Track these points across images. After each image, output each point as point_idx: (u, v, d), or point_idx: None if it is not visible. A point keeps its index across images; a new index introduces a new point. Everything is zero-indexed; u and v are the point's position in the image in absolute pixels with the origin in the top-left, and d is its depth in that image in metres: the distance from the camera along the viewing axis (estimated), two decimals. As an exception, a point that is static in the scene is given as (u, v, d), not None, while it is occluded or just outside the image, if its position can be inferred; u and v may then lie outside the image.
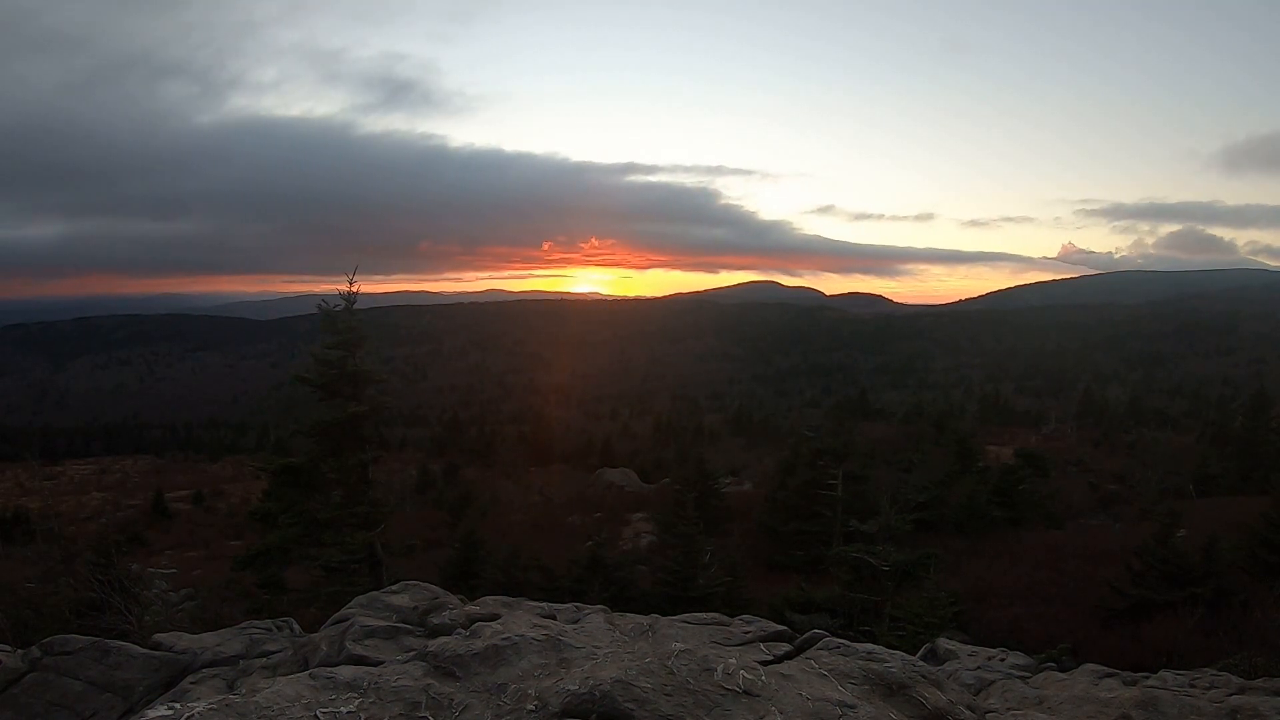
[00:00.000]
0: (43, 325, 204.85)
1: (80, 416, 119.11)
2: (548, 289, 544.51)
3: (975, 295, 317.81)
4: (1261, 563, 13.30)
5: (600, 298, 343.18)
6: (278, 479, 12.15)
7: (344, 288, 11.55)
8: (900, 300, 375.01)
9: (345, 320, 11.65)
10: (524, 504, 33.32)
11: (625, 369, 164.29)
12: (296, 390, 12.73)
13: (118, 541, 12.11)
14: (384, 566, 11.67)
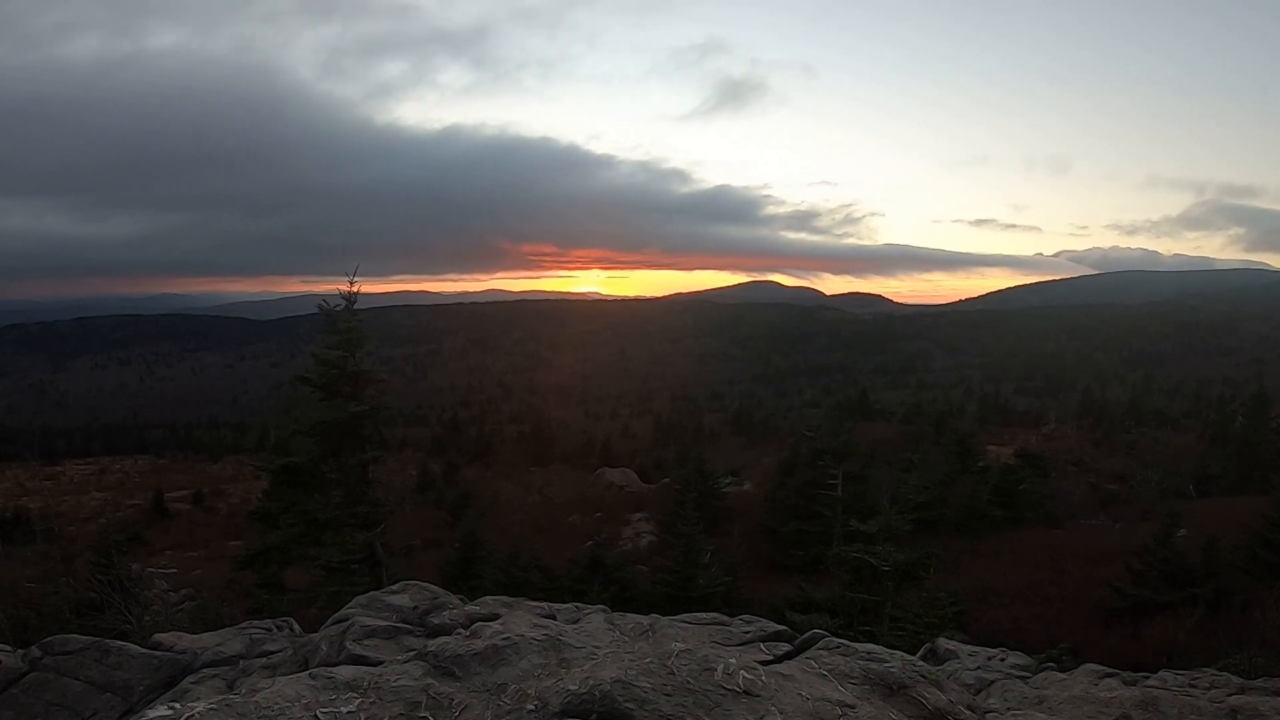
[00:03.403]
0: (42, 325, 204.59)
1: (80, 416, 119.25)
2: (548, 289, 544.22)
3: (975, 295, 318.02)
4: (1261, 563, 13.29)
5: (600, 298, 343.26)
6: (278, 479, 12.17)
7: (344, 287, 11.55)
8: (900, 300, 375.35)
9: (345, 320, 11.64)
10: (524, 504, 33.30)
11: (625, 369, 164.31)
12: (296, 390, 12.74)
13: (118, 541, 12.12)
14: (384, 566, 11.66)
